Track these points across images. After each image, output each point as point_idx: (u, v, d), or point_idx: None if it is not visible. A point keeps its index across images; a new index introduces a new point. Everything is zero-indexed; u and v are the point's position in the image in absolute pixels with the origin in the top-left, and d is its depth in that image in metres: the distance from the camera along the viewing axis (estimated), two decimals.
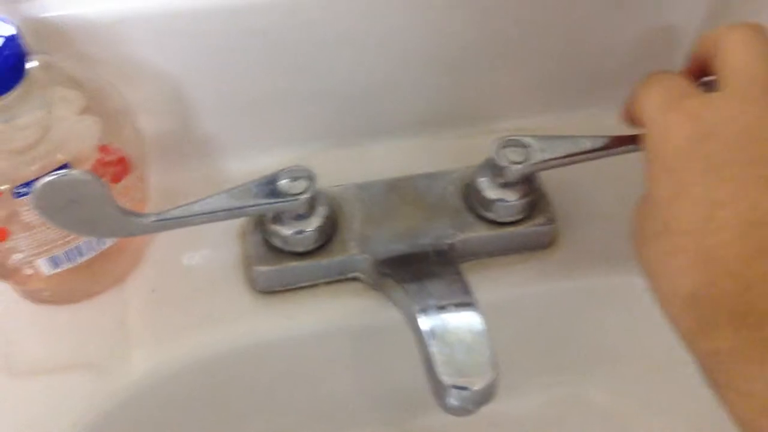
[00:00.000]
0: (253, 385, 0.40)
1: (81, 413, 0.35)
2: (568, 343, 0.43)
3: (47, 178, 0.30)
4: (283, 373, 0.40)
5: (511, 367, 0.42)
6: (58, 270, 0.35)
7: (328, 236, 0.38)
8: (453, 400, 0.32)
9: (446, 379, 0.32)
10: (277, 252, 0.38)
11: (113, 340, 0.37)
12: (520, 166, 0.37)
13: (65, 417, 0.35)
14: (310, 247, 0.37)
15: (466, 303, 0.35)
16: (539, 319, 0.41)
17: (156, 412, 0.37)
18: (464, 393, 0.31)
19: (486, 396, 0.32)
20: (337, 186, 0.40)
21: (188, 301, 0.38)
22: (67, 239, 0.34)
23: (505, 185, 0.38)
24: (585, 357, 0.44)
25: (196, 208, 0.34)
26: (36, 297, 0.37)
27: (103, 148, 0.33)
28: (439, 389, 0.32)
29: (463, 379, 0.32)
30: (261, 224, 0.38)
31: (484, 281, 0.39)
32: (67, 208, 0.31)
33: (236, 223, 0.40)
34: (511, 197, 0.38)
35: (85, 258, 0.35)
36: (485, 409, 0.45)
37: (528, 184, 0.38)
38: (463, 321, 0.34)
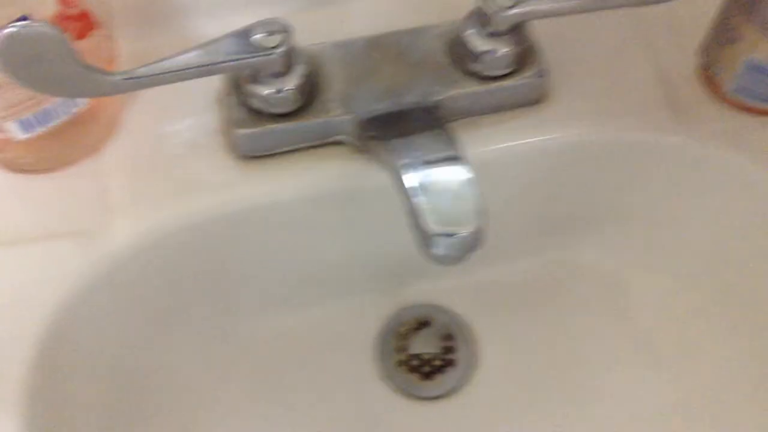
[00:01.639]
0: (240, 253, 0.40)
1: (65, 282, 0.35)
2: (559, 203, 0.42)
3: (5, 30, 0.28)
4: (270, 240, 0.40)
5: (502, 232, 0.42)
6: (31, 135, 0.34)
7: (309, 97, 0.37)
8: (439, 248, 0.31)
9: (432, 227, 0.31)
10: (257, 114, 0.36)
11: (94, 208, 0.36)
12: (510, 12, 0.34)
13: (49, 286, 0.35)
14: (291, 108, 0.36)
15: (453, 156, 0.33)
16: (530, 178, 0.40)
17: (141, 282, 0.37)
18: (451, 240, 0.31)
19: (473, 243, 0.31)
20: (316, 44, 0.38)
21: (168, 169, 0.37)
22: (34, 101, 0.33)
23: (494, 35, 0.36)
24: (577, 217, 0.43)
25: (167, 65, 0.32)
26: (14, 166, 0.37)
27: (63, 1, 0.31)
28: (425, 239, 0.31)
29: (449, 227, 0.31)
30: (239, 86, 0.37)
31: (473, 139, 0.38)
32: (30, 64, 0.30)
33: (214, 88, 0.39)
34: (501, 48, 0.36)
35: (56, 122, 0.35)
36: (476, 276, 0.46)
37: (518, 34, 0.36)
38: (450, 172, 0.33)
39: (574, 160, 0.40)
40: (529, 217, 0.43)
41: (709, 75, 0.39)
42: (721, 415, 0.41)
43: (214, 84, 0.38)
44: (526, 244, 0.44)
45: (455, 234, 0.31)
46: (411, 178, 0.33)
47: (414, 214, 0.32)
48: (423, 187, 0.32)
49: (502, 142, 0.38)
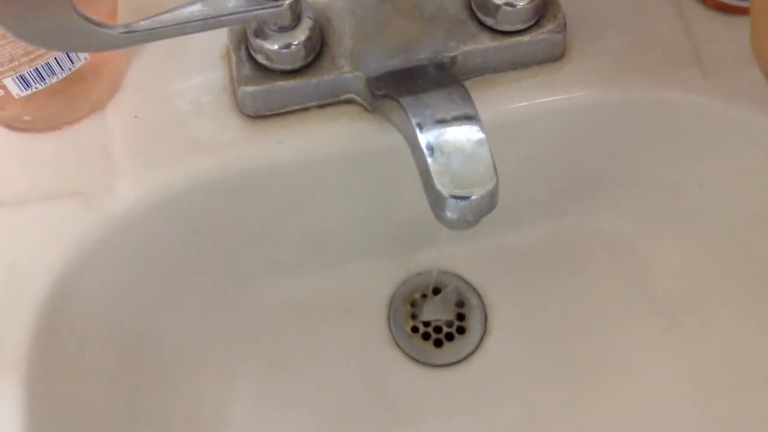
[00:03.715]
0: (247, 215, 0.39)
1: (67, 243, 0.34)
2: (576, 166, 0.41)
3: None
4: (278, 203, 0.39)
5: (516, 196, 0.40)
6: (30, 91, 0.33)
7: (317, 53, 0.35)
8: (452, 211, 0.30)
9: (444, 189, 0.30)
10: (264, 71, 0.35)
11: (97, 168, 0.35)
12: None
13: (51, 247, 0.34)
14: (298, 64, 0.35)
15: (468, 115, 0.32)
16: (547, 140, 0.39)
17: (145, 244, 0.36)
18: (463, 203, 0.30)
19: (486, 206, 0.30)
20: None
21: (173, 128, 0.36)
22: (32, 55, 0.32)
23: None
24: (594, 181, 0.42)
25: (168, 18, 0.31)
26: (14, 124, 0.35)
27: None
28: (437, 202, 0.30)
29: (462, 189, 0.30)
30: (245, 42, 0.35)
31: (488, 98, 0.36)
32: (27, 16, 0.28)
33: (219, 45, 0.37)
34: (520, 1, 0.34)
35: (56, 78, 0.33)
36: (489, 242, 0.45)
37: None
38: (463, 132, 0.31)
39: (593, 120, 0.38)
40: (545, 181, 0.41)
41: None
42: (737, 382, 0.40)
43: (220, 40, 0.37)
44: (542, 209, 0.43)
45: (468, 197, 0.29)
46: (423, 138, 0.31)
47: (426, 176, 0.30)
48: (435, 148, 0.31)
49: (519, 102, 0.37)
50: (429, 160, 0.30)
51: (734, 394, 0.40)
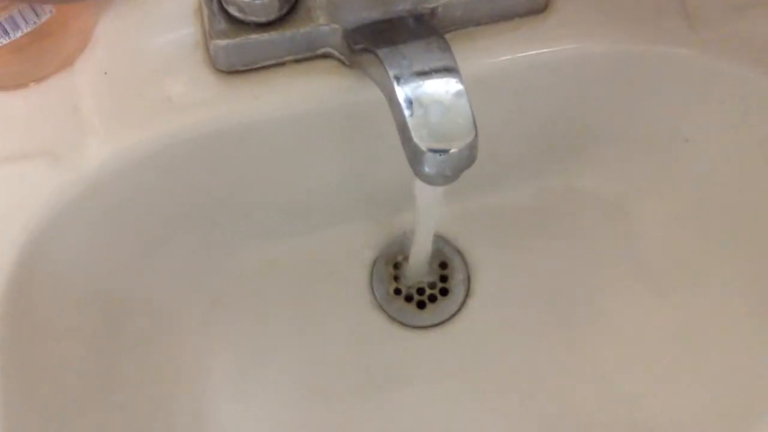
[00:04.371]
0: (223, 177, 0.38)
1: (37, 205, 0.33)
2: (560, 123, 0.40)
3: None
4: (255, 163, 0.38)
5: (499, 154, 0.40)
6: None
7: (292, 4, 0.34)
8: (430, 166, 0.29)
9: (421, 143, 0.29)
10: (237, 24, 0.34)
11: (67, 127, 0.34)
12: None
13: (20, 209, 0.33)
14: (273, 16, 0.33)
15: (446, 67, 0.31)
16: (530, 95, 0.38)
17: (118, 206, 0.35)
18: (441, 157, 0.29)
19: (465, 160, 0.29)
20: None
21: (145, 85, 0.35)
22: None
23: None
24: (578, 139, 0.41)
25: None
26: None
27: None
28: (415, 156, 0.29)
29: (439, 142, 0.29)
30: None
31: (469, 52, 0.35)
32: None
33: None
34: None
35: (21, 32, 0.32)
36: (472, 202, 0.44)
37: None
38: (442, 84, 0.30)
39: (578, 74, 0.37)
40: (529, 138, 0.41)
41: None
42: (722, 344, 0.40)
43: None
44: (525, 168, 0.42)
45: (447, 150, 0.29)
46: (401, 91, 0.30)
47: (403, 129, 0.30)
48: (413, 100, 0.30)
49: (501, 55, 0.36)
50: (406, 113, 0.29)
51: (720, 354, 0.39)
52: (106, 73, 0.35)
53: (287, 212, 0.41)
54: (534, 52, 0.36)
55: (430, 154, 0.29)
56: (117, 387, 0.37)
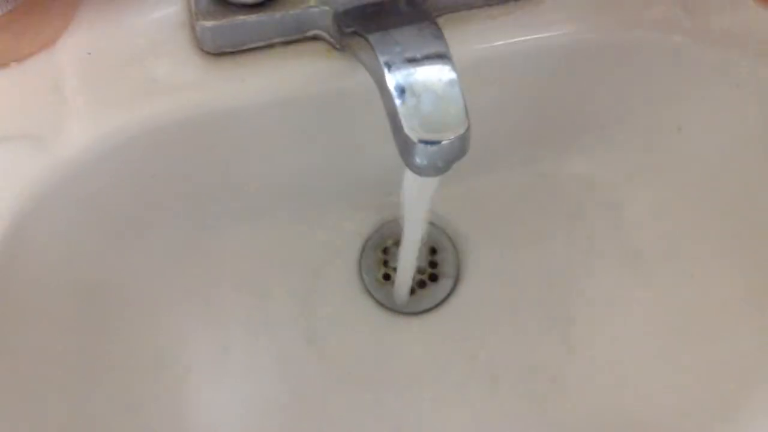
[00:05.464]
0: (209, 161, 0.37)
1: (18, 188, 0.32)
2: (552, 109, 0.40)
3: None
4: (242, 147, 0.37)
5: (490, 140, 0.39)
6: None
7: None
8: (421, 157, 0.29)
9: (412, 134, 0.28)
10: (225, 5, 0.33)
11: (50, 108, 0.33)
12: None
13: (4, 191, 0.32)
14: None
15: (439, 53, 0.30)
16: (522, 81, 0.37)
17: (101, 190, 0.35)
18: (432, 148, 0.28)
19: (457, 152, 0.28)
20: None
21: (129, 66, 0.34)
22: None
23: None
24: (570, 125, 0.41)
25: None
26: None
27: None
28: (406, 147, 0.29)
29: (431, 133, 0.28)
30: None
31: (461, 36, 0.35)
32: None
33: None
34: None
35: (2, 10, 0.31)
36: (462, 187, 0.44)
37: None
38: (434, 72, 0.30)
39: (570, 60, 0.37)
40: (520, 124, 0.40)
41: None
42: (710, 326, 0.40)
43: None
44: (516, 155, 0.42)
45: (438, 141, 0.28)
46: (392, 78, 0.30)
47: (394, 119, 0.29)
48: (405, 88, 0.29)
49: (493, 40, 0.35)
50: (397, 102, 0.29)
51: (707, 338, 0.40)
52: (89, 53, 0.34)
53: (274, 196, 0.41)
54: (526, 37, 0.35)
55: (421, 145, 0.28)
56: (98, 371, 0.37)
